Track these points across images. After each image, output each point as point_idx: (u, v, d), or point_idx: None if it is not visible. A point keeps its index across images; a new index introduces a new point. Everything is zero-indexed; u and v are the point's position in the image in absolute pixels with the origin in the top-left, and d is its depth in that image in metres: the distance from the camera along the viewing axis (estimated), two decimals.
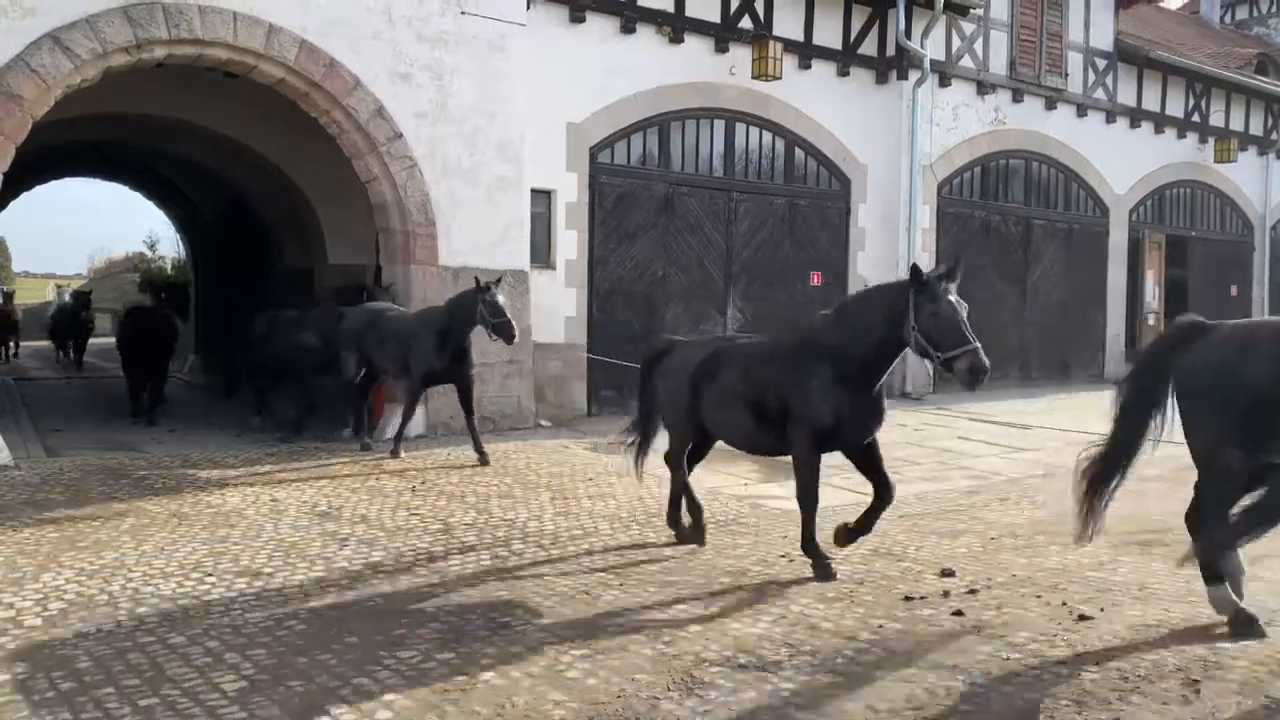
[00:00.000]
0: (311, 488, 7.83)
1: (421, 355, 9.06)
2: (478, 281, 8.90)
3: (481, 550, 6.06)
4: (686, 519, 6.29)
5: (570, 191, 12.20)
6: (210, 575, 5.45)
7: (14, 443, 9.23)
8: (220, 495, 7.48)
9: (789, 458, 5.67)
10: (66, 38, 8.70)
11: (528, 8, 11.18)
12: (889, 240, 15.00)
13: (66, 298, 24.18)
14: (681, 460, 6.27)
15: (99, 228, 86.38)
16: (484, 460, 8.91)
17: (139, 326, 11.81)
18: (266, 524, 6.62)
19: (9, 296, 23.95)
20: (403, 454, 9.19)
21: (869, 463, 5.60)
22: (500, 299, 8.79)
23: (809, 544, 5.60)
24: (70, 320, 20.91)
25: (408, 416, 9.44)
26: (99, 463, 8.71)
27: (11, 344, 22.79)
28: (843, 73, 14.52)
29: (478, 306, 8.76)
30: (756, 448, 5.97)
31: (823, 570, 5.51)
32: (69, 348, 21.26)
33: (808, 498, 5.54)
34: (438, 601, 5.06)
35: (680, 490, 6.29)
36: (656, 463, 8.51)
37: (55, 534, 6.25)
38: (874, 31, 14.71)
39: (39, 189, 21.07)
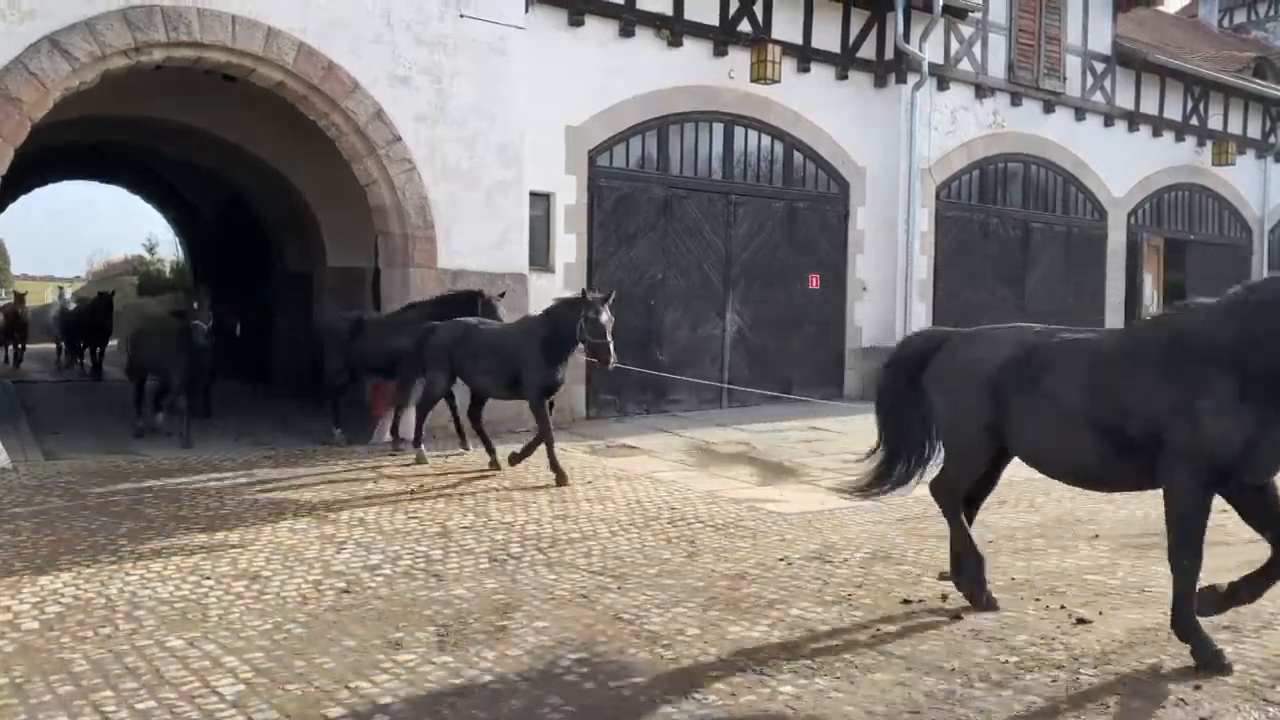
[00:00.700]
0: (309, 491, 7.83)
1: (535, 369, 8.31)
2: (584, 294, 8.20)
3: (479, 553, 6.06)
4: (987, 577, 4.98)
5: (569, 194, 12.20)
6: (208, 578, 5.44)
7: (12, 446, 9.22)
8: (218, 498, 7.48)
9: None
10: (65, 40, 8.70)
11: (526, 11, 11.19)
12: (888, 243, 15.01)
13: (68, 298, 23.11)
14: (959, 498, 5.01)
15: (98, 230, 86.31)
16: (495, 463, 8.78)
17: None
18: (264, 527, 6.62)
19: (21, 298, 22.50)
20: (428, 458, 9.07)
21: (1265, 506, 4.20)
22: (605, 316, 7.97)
23: (1185, 620, 4.18)
24: (90, 324, 18.51)
25: (548, 439, 8.35)
26: (97, 466, 8.70)
27: (19, 346, 22.39)
28: (841, 76, 14.53)
29: (577, 322, 8.03)
30: (1104, 481, 4.61)
31: (1214, 660, 4.09)
32: (81, 354, 19.03)
33: (1188, 553, 4.12)
34: (436, 605, 5.05)
35: (965, 541, 4.97)
36: (654, 465, 8.53)
37: (52, 537, 6.24)
38: (872, 35, 14.72)
39: (38, 191, 21.06)
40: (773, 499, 7.80)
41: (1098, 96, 17.56)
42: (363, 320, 10.26)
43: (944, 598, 5.20)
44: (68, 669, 4.16)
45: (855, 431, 11.05)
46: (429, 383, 9.04)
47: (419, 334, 9.02)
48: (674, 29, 12.82)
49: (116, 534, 6.35)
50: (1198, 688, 4.01)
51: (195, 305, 9.91)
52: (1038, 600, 5.18)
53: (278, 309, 16.70)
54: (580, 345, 8.17)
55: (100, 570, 5.54)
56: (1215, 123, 19.67)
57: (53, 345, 22.32)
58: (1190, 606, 4.15)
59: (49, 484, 7.88)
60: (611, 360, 8.00)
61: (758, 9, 13.53)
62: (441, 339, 8.82)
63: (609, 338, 7.99)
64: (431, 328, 8.99)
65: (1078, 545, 6.37)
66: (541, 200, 11.84)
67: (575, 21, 12.07)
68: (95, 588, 5.23)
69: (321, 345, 10.83)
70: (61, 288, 24.93)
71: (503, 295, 9.73)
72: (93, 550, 5.95)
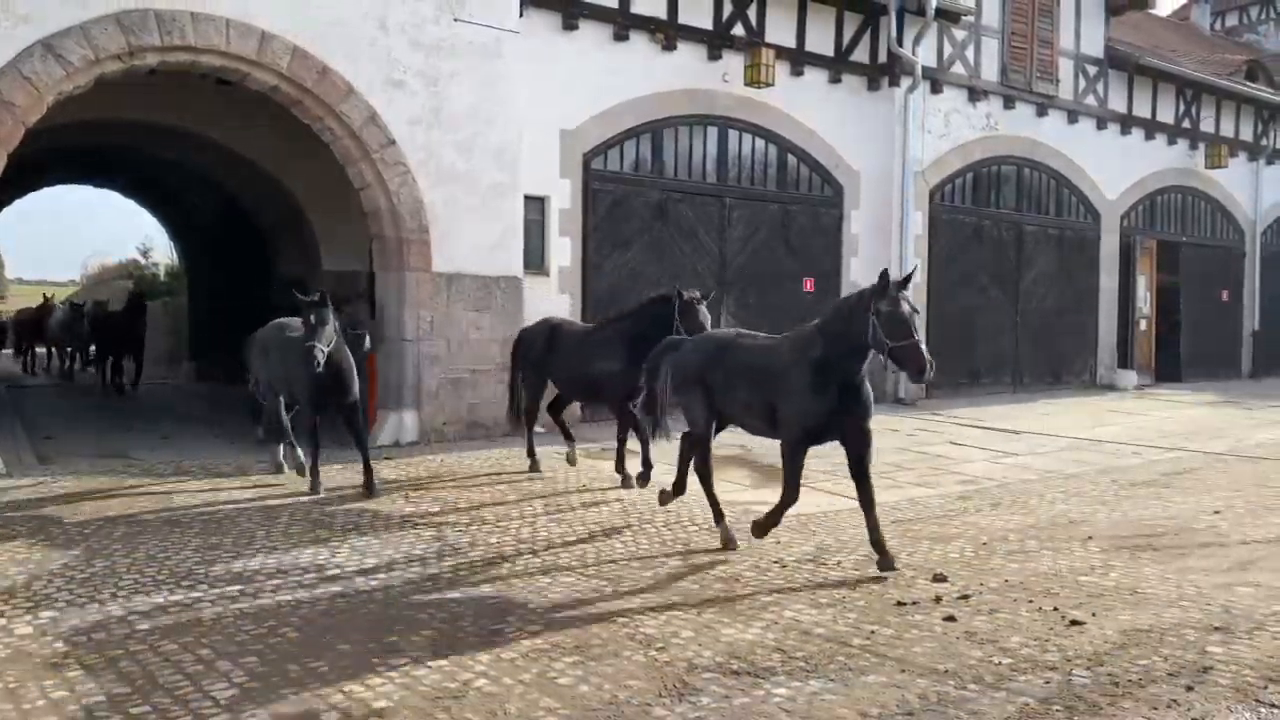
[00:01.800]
0: (304, 494, 7.82)
1: (799, 399, 5.88)
2: (886, 277, 5.66)
3: (474, 556, 6.06)
4: None
5: (564, 198, 12.22)
6: (202, 582, 5.44)
7: (6, 450, 9.21)
8: (213, 502, 7.47)
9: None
10: (59, 45, 8.70)
11: (521, 15, 11.21)
12: (882, 246, 15.03)
13: (82, 302, 20.98)
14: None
15: (93, 234, 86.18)
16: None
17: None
18: (259, 531, 6.61)
19: (48, 303, 21.06)
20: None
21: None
22: (905, 307, 5.53)
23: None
24: (123, 330, 16.25)
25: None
26: (91, 470, 8.69)
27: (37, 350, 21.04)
28: (835, 80, 14.56)
29: (868, 323, 5.53)
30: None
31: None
32: (107, 364, 16.76)
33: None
34: (431, 608, 5.05)
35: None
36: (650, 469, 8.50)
37: (46, 541, 6.23)
38: (866, 38, 14.76)
39: (32, 195, 20.99)
40: (768, 502, 7.79)
41: (1091, 99, 17.62)
42: (558, 330, 8.80)
43: (937, 599, 5.21)
44: (61, 674, 4.15)
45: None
46: (690, 420, 6.64)
47: (655, 353, 6.93)
48: (668, 32, 12.84)
49: (111, 538, 6.34)
50: (1190, 689, 4.03)
51: (311, 324, 7.37)
52: (1031, 602, 5.20)
53: (273, 312, 16.70)
54: (872, 354, 5.71)
55: (94, 575, 5.53)
56: (1208, 125, 19.74)
57: (45, 350, 21.62)
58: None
59: (42, 488, 7.87)
60: (928, 369, 5.52)
61: (751, 13, 13.56)
62: (692, 360, 6.58)
63: (915, 334, 5.51)
64: (673, 343, 6.95)
65: (1071, 547, 6.38)
66: (536, 203, 11.85)
67: (570, 25, 12.09)
68: (89, 592, 5.23)
69: (514, 358, 9.27)
70: (70, 299, 22.56)
71: (706, 297, 7.90)
72: (86, 554, 5.94)
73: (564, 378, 8.72)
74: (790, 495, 6.06)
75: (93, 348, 18.62)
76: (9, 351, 22.67)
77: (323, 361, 7.23)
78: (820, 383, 5.79)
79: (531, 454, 8.99)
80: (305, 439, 8.14)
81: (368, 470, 7.87)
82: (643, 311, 8.08)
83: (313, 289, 8.18)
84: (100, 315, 17.60)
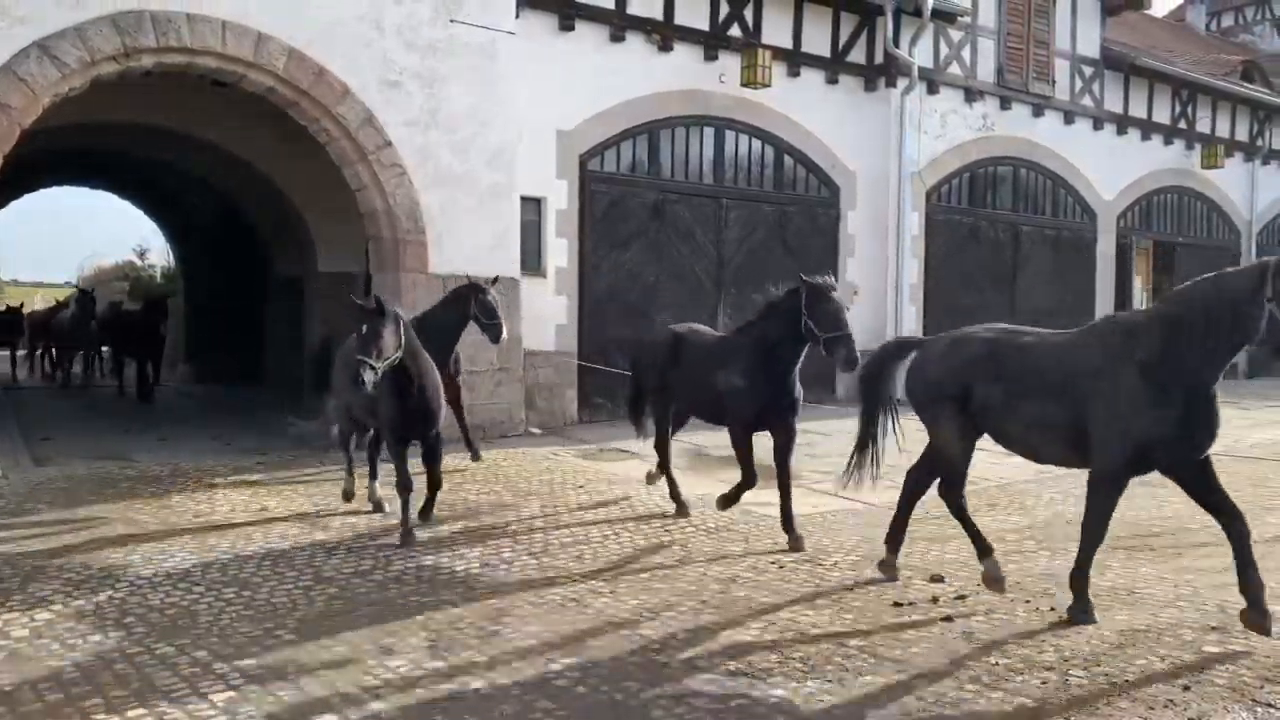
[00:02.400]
0: (301, 496, 7.81)
1: (1130, 411, 4.61)
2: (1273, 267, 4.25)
3: (471, 558, 6.05)
4: None
5: (561, 199, 12.22)
6: (198, 585, 5.42)
7: (3, 452, 9.19)
8: (209, 504, 7.46)
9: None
10: (54, 46, 8.68)
11: (517, 16, 11.20)
12: (879, 246, 15.04)
13: (85, 290, 18.66)
14: None
15: (92, 235, 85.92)
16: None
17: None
18: (255, 533, 6.60)
19: (62, 305, 19.51)
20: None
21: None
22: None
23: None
24: (142, 330, 14.84)
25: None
26: (87, 472, 8.67)
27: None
28: (831, 80, 14.57)
29: (1259, 317, 4.27)
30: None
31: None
32: (125, 369, 15.56)
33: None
34: (427, 609, 5.04)
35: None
36: (647, 469, 8.51)
37: (41, 544, 6.22)
38: (862, 39, 14.77)
39: (30, 196, 20.92)
40: (765, 502, 7.80)
41: (1087, 100, 17.65)
42: (684, 340, 7.36)
43: (935, 600, 5.21)
44: (57, 677, 4.14)
45: (846, 434, 11.06)
46: (943, 445, 5.43)
47: (877, 358, 5.90)
48: (664, 33, 12.84)
49: (107, 541, 6.32)
50: (1187, 689, 4.03)
51: (363, 337, 6.03)
52: (1028, 602, 5.20)
53: (270, 314, 16.71)
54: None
55: (90, 577, 5.52)
56: (1204, 126, 19.77)
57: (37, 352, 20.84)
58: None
59: (39, 490, 7.85)
60: None
61: (748, 13, 13.57)
62: (944, 369, 5.28)
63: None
64: (905, 344, 5.99)
65: (1068, 547, 6.35)
66: (533, 204, 11.84)
67: (566, 26, 12.09)
68: (85, 594, 5.22)
69: (636, 368, 8.07)
70: (83, 290, 21.40)
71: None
72: (82, 557, 5.92)
73: (686, 396, 7.30)
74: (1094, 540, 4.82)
75: (103, 349, 17.60)
76: (21, 353, 21.59)
77: (373, 382, 5.89)
78: (1159, 393, 4.43)
79: (676, 496, 7.41)
80: (393, 476, 6.71)
81: (432, 495, 6.84)
82: (771, 312, 6.61)
83: (357, 295, 7.14)
84: (114, 315, 16.23)
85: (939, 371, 5.29)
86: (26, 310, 21.92)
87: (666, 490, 7.52)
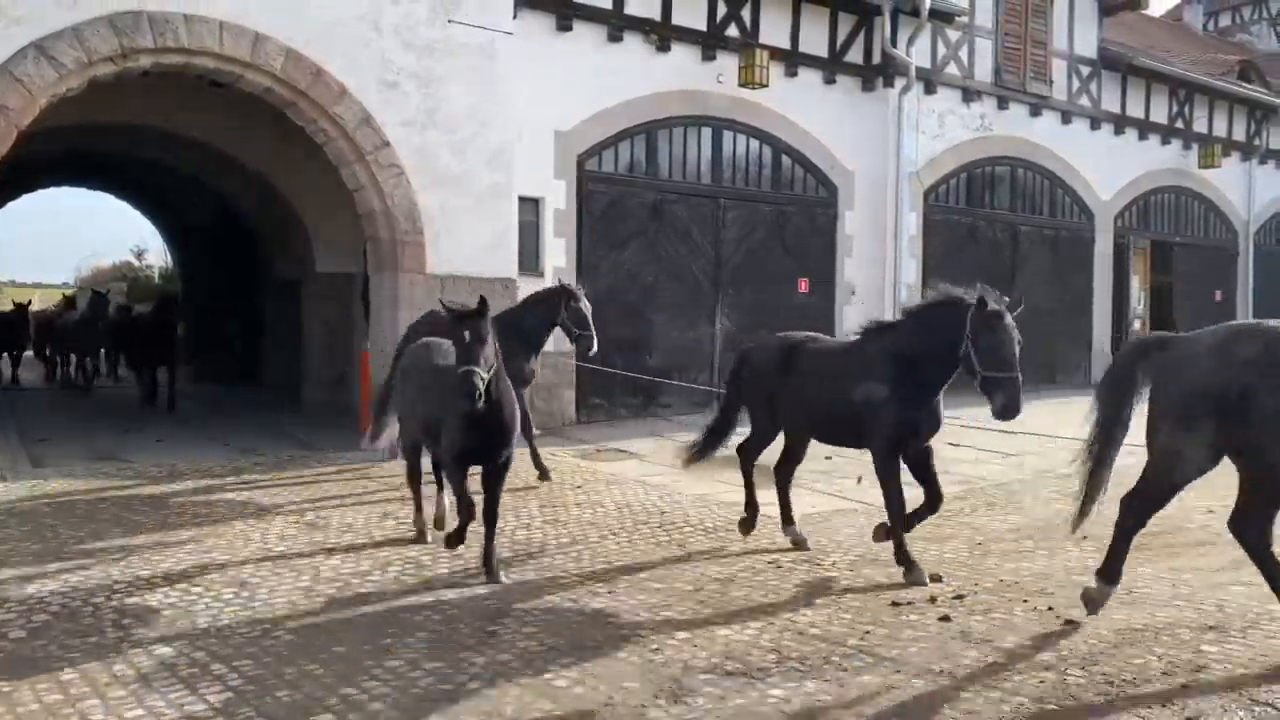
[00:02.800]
0: (298, 497, 7.81)
1: None
2: None
3: (469, 558, 6.04)
4: None
5: (558, 199, 12.21)
6: (196, 586, 5.42)
7: (1, 453, 9.18)
8: (207, 505, 7.45)
9: None
10: (51, 47, 8.67)
11: (515, 16, 11.19)
12: (876, 247, 15.05)
13: (99, 292, 18.54)
14: None
15: (92, 235, 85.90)
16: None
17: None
18: (253, 534, 6.59)
19: (71, 302, 18.93)
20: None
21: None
22: None
23: None
24: (152, 332, 13.87)
25: None
26: (85, 473, 8.66)
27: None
28: (829, 80, 14.57)
29: None
30: None
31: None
32: (142, 375, 14.48)
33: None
34: (425, 610, 5.04)
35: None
36: (645, 469, 8.52)
37: (39, 546, 6.21)
38: (860, 39, 14.77)
39: (29, 196, 20.91)
40: (763, 502, 7.80)
41: (1084, 100, 17.65)
42: (800, 349, 6.38)
43: (932, 599, 5.22)
44: (55, 678, 4.14)
45: None
46: (1168, 469, 4.66)
47: (1124, 358, 5.21)
48: (662, 33, 12.84)
49: (104, 541, 6.32)
50: (1184, 687, 4.03)
51: (465, 343, 5.25)
52: (1025, 602, 5.21)
53: (268, 315, 16.71)
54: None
55: (88, 578, 5.52)
56: (1201, 126, 19.78)
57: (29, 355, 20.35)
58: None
59: (36, 491, 7.84)
60: None
61: (745, 14, 13.57)
62: (1206, 372, 4.44)
63: None
64: (1160, 342, 5.00)
65: (1066, 547, 6.39)
66: (530, 205, 11.84)
67: (563, 26, 12.08)
68: (83, 595, 5.21)
69: (731, 385, 6.89)
70: (97, 290, 20.48)
71: (1017, 306, 5.58)
72: (80, 558, 5.92)
73: (803, 414, 6.29)
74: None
75: (108, 352, 17.17)
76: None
77: (482, 393, 5.12)
78: None
79: (794, 537, 6.46)
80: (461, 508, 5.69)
81: (490, 532, 5.70)
82: (921, 319, 5.73)
83: (448, 300, 5.73)
84: (126, 319, 15.52)
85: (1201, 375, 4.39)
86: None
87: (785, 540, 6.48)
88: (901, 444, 5.72)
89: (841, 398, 5.83)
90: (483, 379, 5.14)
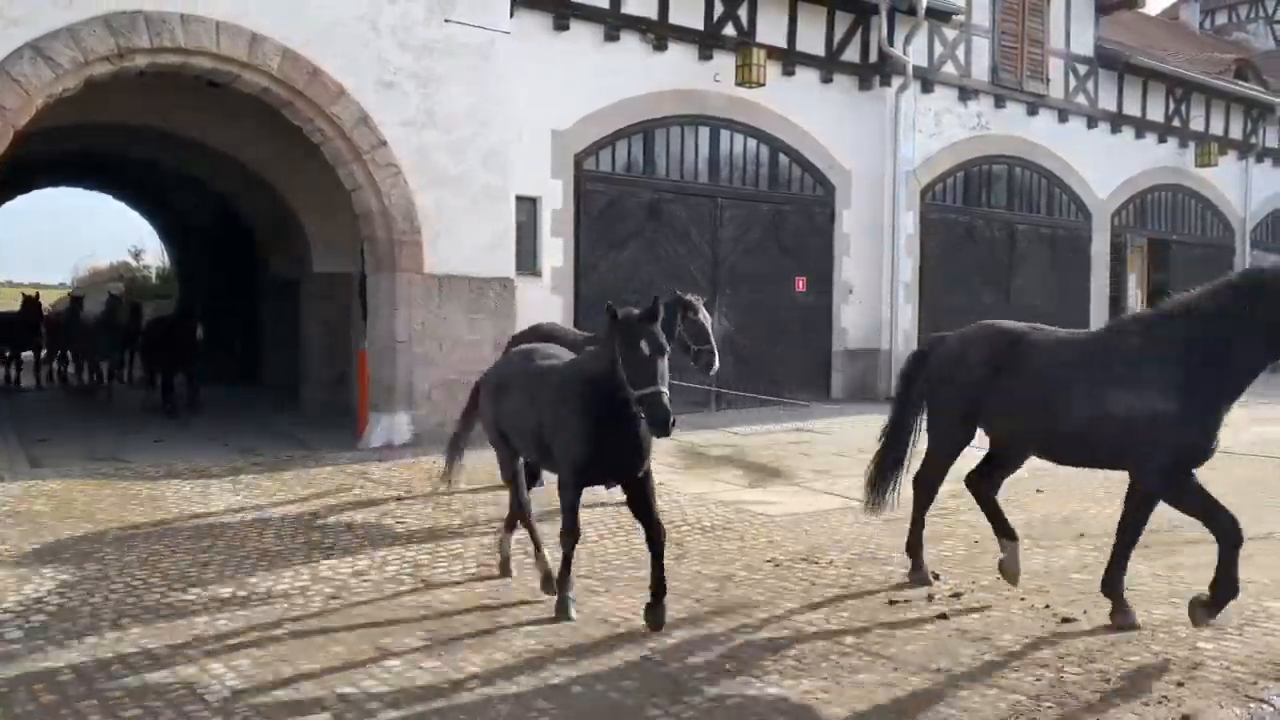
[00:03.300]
0: (296, 497, 7.81)
1: None
2: None
3: (467, 558, 6.05)
4: None
5: (556, 198, 12.22)
6: (194, 586, 5.42)
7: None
8: (205, 505, 7.45)
9: None
10: (48, 47, 8.67)
11: (512, 15, 11.20)
12: (874, 246, 15.07)
13: (113, 294, 18.13)
14: None
15: (91, 235, 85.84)
16: None
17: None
18: (251, 534, 6.59)
19: (79, 301, 18.07)
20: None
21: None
22: None
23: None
24: (175, 336, 13.49)
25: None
26: (83, 473, 8.65)
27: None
28: (826, 79, 14.59)
29: None
30: None
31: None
32: (154, 373, 14.24)
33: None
34: (424, 610, 5.05)
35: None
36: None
37: (38, 545, 6.21)
38: (857, 38, 14.79)
39: (24, 197, 20.90)
40: (760, 501, 7.81)
41: (1081, 98, 17.68)
42: (1022, 342, 5.22)
43: (930, 598, 5.22)
44: (53, 678, 4.14)
45: (842, 433, 11.09)
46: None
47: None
48: (659, 33, 12.86)
49: (102, 542, 6.31)
50: (1180, 685, 4.04)
51: (641, 358, 4.39)
52: (1023, 599, 5.21)
53: (266, 315, 16.71)
54: None
55: (85, 578, 5.51)
56: (1198, 124, 19.82)
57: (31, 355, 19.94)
58: None
59: (34, 491, 7.84)
60: None
61: (742, 13, 13.58)
62: None
63: None
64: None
65: (1063, 545, 6.40)
66: (528, 204, 11.85)
67: (561, 26, 12.09)
68: (80, 595, 5.21)
69: (904, 383, 5.81)
70: (112, 292, 19.29)
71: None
72: (77, 558, 5.92)
73: (1028, 423, 5.06)
74: None
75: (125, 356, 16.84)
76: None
77: (675, 420, 4.34)
78: None
79: (920, 570, 5.46)
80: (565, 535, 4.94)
81: (658, 567, 4.79)
82: (1214, 300, 4.67)
83: (616, 307, 4.57)
84: (151, 322, 15.21)
85: None
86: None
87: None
88: (1177, 468, 4.57)
89: (1094, 404, 4.67)
90: (670, 400, 4.35)
